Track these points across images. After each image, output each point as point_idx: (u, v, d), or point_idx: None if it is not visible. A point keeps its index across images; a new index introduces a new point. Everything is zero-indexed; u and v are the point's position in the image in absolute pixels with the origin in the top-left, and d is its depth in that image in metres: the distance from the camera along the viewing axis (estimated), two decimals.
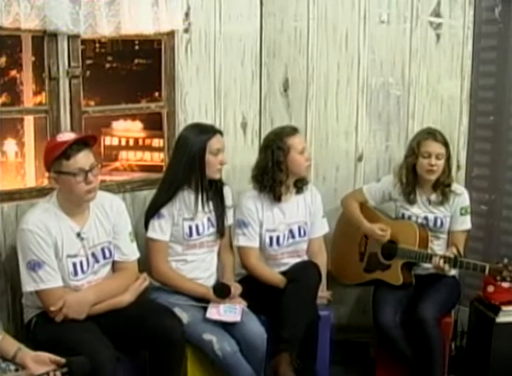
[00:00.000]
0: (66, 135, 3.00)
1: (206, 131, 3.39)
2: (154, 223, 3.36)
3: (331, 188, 4.06)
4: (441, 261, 3.54)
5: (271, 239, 3.62)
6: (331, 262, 3.89)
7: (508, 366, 3.64)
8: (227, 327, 3.28)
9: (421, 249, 3.66)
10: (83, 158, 2.93)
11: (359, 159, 4.15)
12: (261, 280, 3.55)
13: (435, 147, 3.66)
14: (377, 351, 3.85)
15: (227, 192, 3.56)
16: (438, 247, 3.76)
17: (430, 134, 3.70)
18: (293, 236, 3.66)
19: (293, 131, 3.63)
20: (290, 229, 3.65)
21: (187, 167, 3.34)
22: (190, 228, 3.41)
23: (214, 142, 3.36)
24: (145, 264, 3.37)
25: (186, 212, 3.40)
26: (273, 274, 3.56)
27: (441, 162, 3.67)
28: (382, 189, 3.86)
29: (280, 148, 3.54)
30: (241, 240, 3.58)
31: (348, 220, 3.95)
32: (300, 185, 3.68)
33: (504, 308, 3.67)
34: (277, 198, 3.59)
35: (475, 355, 3.83)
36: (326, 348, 3.62)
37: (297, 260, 3.65)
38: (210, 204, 3.46)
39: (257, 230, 3.59)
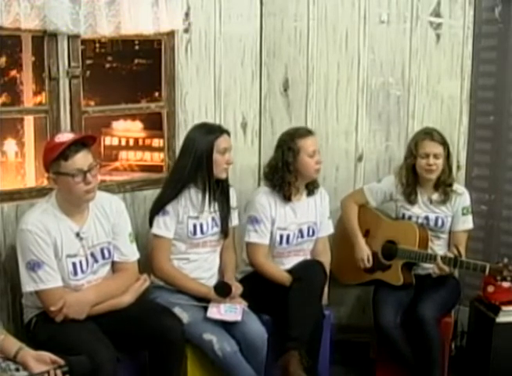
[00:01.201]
0: (65, 136, 2.99)
1: (213, 131, 3.40)
2: (159, 220, 3.36)
3: (331, 188, 4.05)
4: (441, 262, 3.54)
5: (281, 237, 3.61)
6: (332, 261, 3.88)
7: (508, 366, 3.64)
8: (227, 326, 3.28)
9: (421, 249, 3.66)
10: (81, 159, 2.93)
11: (359, 159, 4.15)
12: (268, 277, 3.54)
13: (433, 147, 3.66)
14: (377, 351, 3.85)
15: (232, 193, 3.56)
16: (438, 247, 3.76)
17: (428, 134, 3.70)
18: (302, 236, 3.67)
19: (307, 132, 3.62)
20: (300, 228, 3.65)
21: (194, 165, 3.34)
22: (195, 226, 3.41)
23: (221, 142, 3.37)
24: (145, 264, 3.37)
25: (192, 210, 3.40)
26: (280, 272, 3.56)
27: (440, 161, 3.67)
28: (383, 189, 3.86)
29: (290, 149, 3.54)
30: (252, 237, 3.57)
31: (345, 227, 3.93)
32: (311, 188, 3.68)
33: (504, 308, 3.67)
34: (287, 198, 3.59)
35: (475, 355, 3.84)
36: (326, 348, 3.62)
37: (301, 258, 3.66)
38: (216, 204, 3.46)
39: (268, 228, 3.58)
